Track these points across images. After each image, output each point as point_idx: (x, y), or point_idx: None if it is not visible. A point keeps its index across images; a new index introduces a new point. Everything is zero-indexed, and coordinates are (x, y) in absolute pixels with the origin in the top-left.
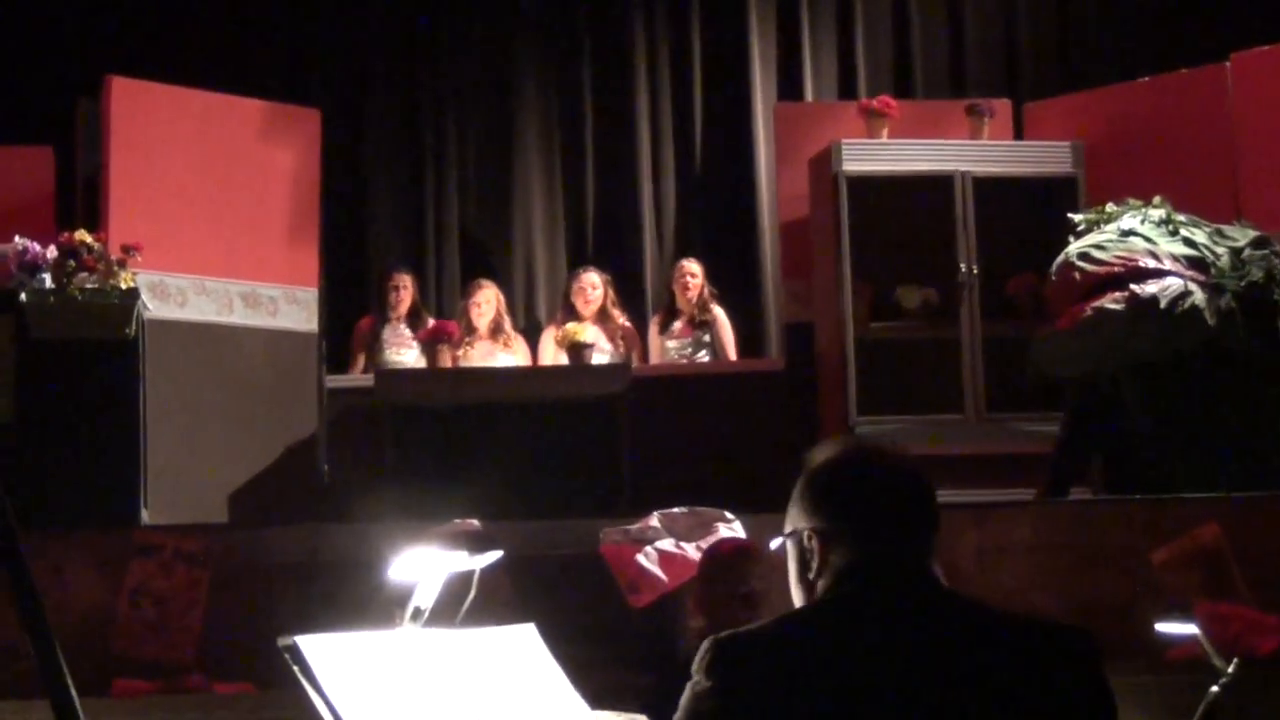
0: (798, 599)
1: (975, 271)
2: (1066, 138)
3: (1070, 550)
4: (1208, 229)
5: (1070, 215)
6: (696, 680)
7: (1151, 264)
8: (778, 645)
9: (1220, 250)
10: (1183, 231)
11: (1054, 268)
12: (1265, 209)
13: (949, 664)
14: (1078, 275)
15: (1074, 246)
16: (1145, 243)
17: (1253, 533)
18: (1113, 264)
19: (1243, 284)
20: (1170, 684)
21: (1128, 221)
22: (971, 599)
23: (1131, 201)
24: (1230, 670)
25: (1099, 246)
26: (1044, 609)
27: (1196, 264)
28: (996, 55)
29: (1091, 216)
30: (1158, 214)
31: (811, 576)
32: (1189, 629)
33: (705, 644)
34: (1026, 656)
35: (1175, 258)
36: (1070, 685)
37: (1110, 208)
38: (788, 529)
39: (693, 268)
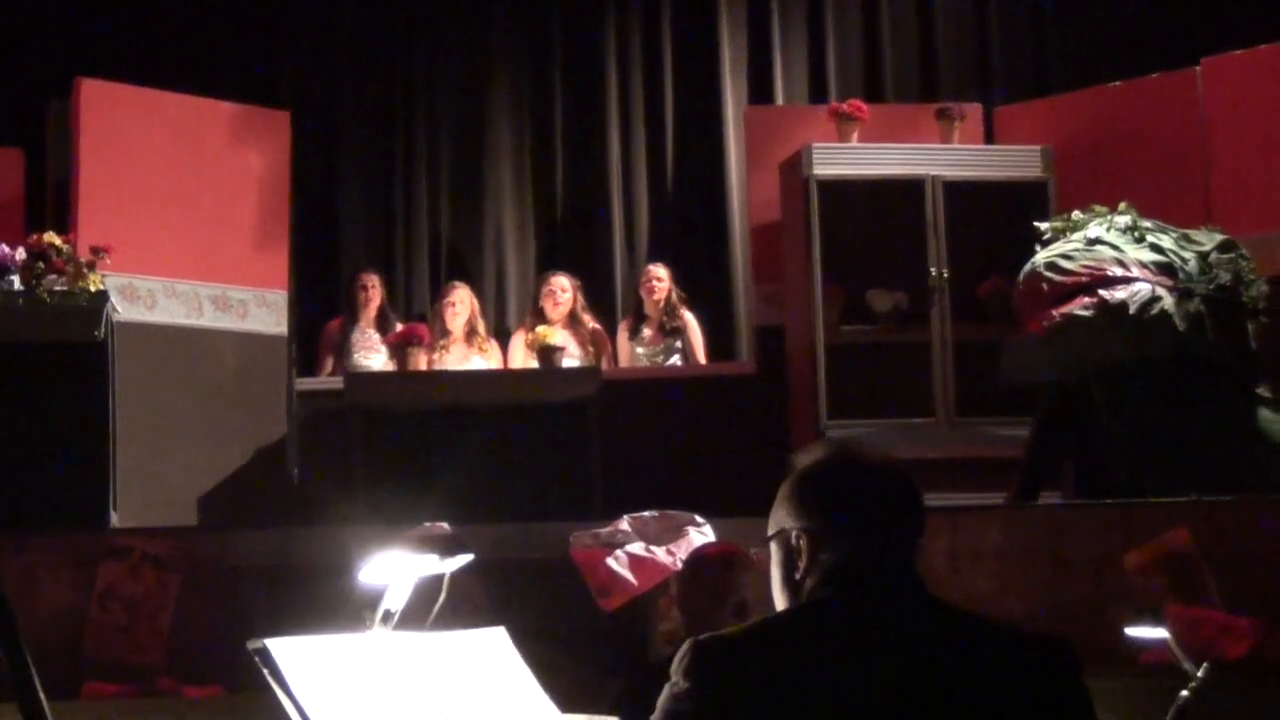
0: (781, 601)
1: (946, 275)
2: (1037, 142)
3: (1041, 554)
4: (1174, 234)
5: (1037, 224)
6: (675, 681)
7: (1119, 272)
8: (759, 649)
9: (1188, 255)
10: (1149, 238)
11: (1021, 276)
12: (1236, 213)
13: (932, 672)
14: (1045, 285)
15: (1041, 255)
16: (1112, 251)
17: (1222, 536)
18: (1080, 274)
19: (1211, 287)
20: (1140, 688)
21: (1094, 230)
22: (955, 607)
23: (1097, 209)
24: (1200, 674)
25: (1066, 256)
26: (1015, 613)
27: (1164, 269)
28: (967, 59)
29: (1058, 224)
30: (1123, 220)
31: (798, 576)
32: (1159, 633)
33: (685, 645)
34: (1009, 666)
35: (1143, 264)
36: (1052, 697)
37: (1077, 215)
38: (773, 529)
39: (659, 272)
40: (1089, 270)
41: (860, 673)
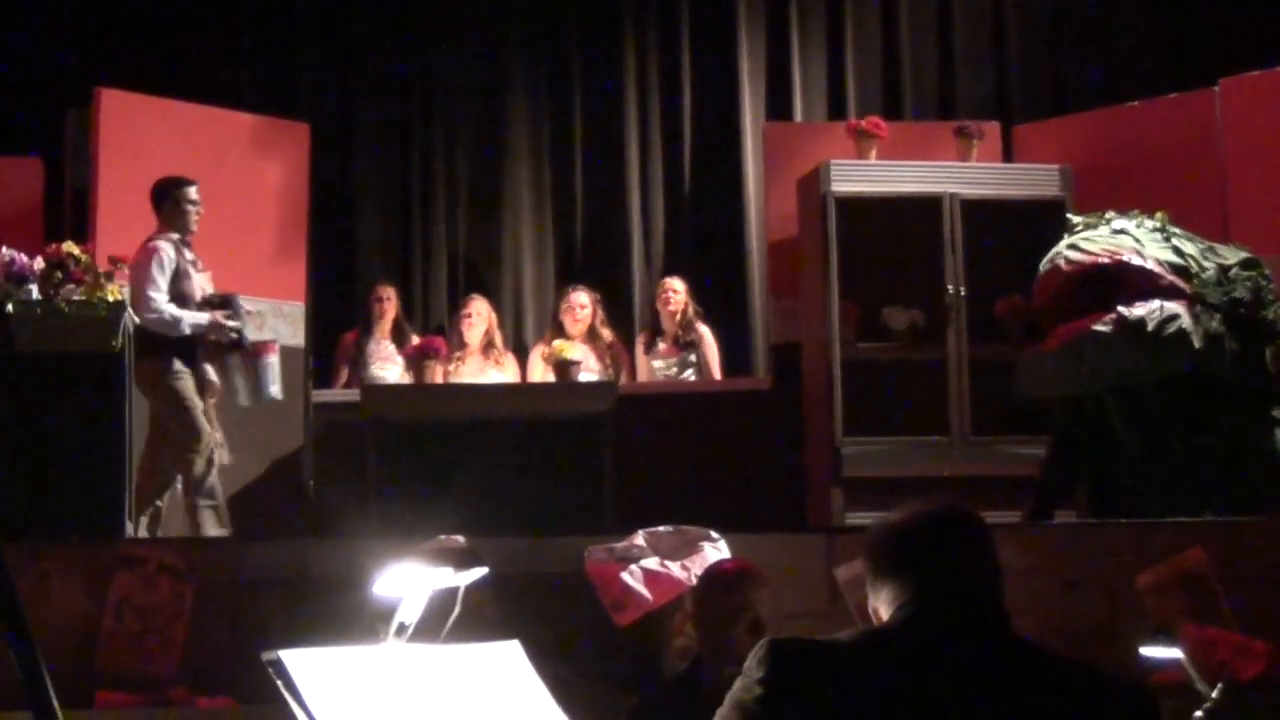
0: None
1: (962, 293)
2: (1055, 161)
3: (1054, 574)
4: (1200, 244)
5: (1069, 215)
6: (748, 674)
7: (1136, 261)
8: (835, 658)
9: (1208, 265)
10: (1174, 241)
11: (1043, 262)
12: (1254, 234)
13: (1006, 705)
14: (1064, 264)
15: (1064, 242)
16: (1134, 242)
17: (1237, 557)
18: (1099, 255)
19: (1225, 299)
20: None
21: (1120, 223)
22: (1037, 645)
23: (1132, 211)
24: (1214, 695)
25: (1087, 239)
26: (1029, 632)
27: (1180, 271)
28: (986, 77)
29: (1090, 219)
30: (1153, 222)
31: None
32: (1173, 654)
33: (762, 643)
34: (1090, 709)
35: (1160, 262)
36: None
37: (1110, 214)
38: (872, 603)
39: (675, 285)
40: (1108, 253)
41: (929, 697)
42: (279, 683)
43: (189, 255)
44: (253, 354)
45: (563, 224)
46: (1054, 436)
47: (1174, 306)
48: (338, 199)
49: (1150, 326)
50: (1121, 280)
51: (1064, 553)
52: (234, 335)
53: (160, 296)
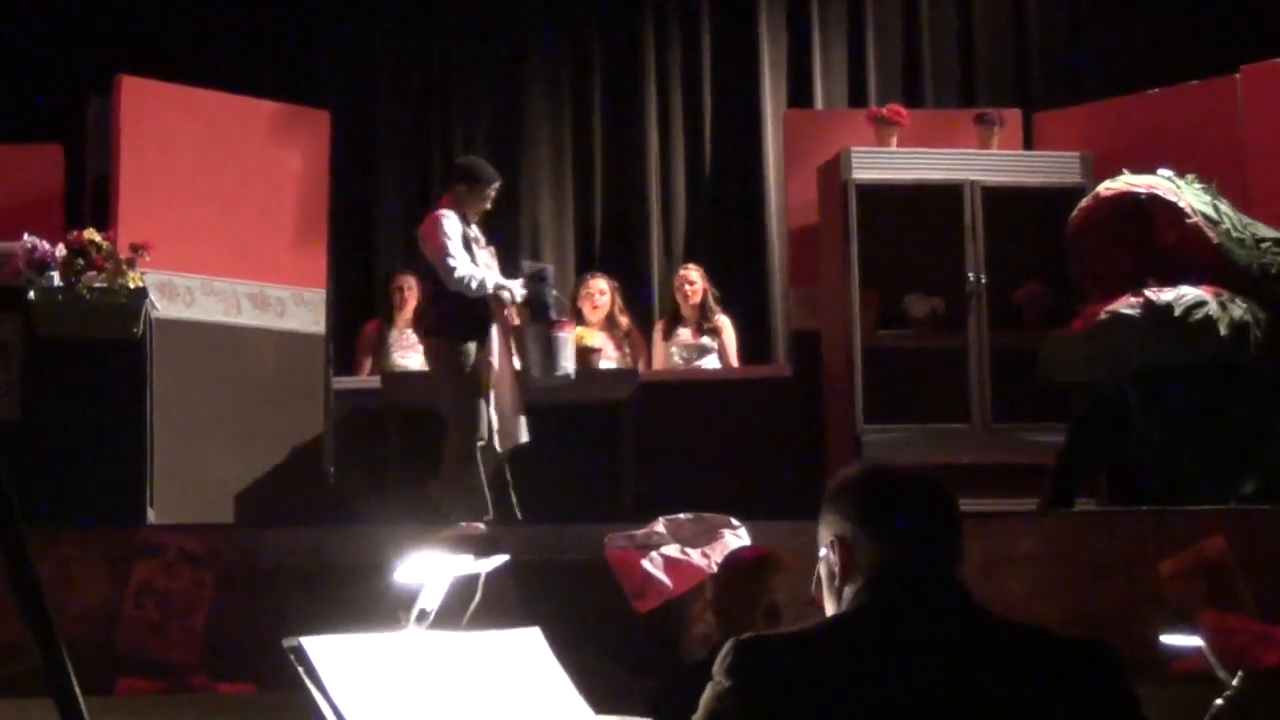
0: (827, 608)
1: (983, 281)
2: (1076, 148)
3: (1075, 561)
4: (1245, 218)
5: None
6: (717, 680)
7: (1170, 198)
8: (801, 651)
9: (1244, 231)
10: (1214, 199)
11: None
12: (1275, 221)
13: (971, 678)
14: (1103, 190)
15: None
16: (1173, 186)
17: (1258, 545)
18: (1136, 185)
19: (1253, 264)
20: (1174, 697)
21: (1167, 172)
22: (994, 614)
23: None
24: (1235, 683)
25: (1134, 175)
26: (1047, 619)
27: (1209, 221)
28: (1007, 65)
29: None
30: (1202, 184)
31: (838, 584)
32: (1194, 641)
33: (728, 645)
34: (1052, 670)
35: (1194, 209)
36: (1095, 699)
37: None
38: (821, 539)
39: (691, 275)
40: (1147, 185)
41: (898, 677)
42: (300, 669)
43: (474, 232)
44: (553, 327)
45: (582, 211)
46: (1074, 424)
47: (1201, 293)
48: (358, 187)
49: (1177, 312)
50: (1152, 213)
51: (1085, 540)
52: (542, 271)
53: (464, 263)
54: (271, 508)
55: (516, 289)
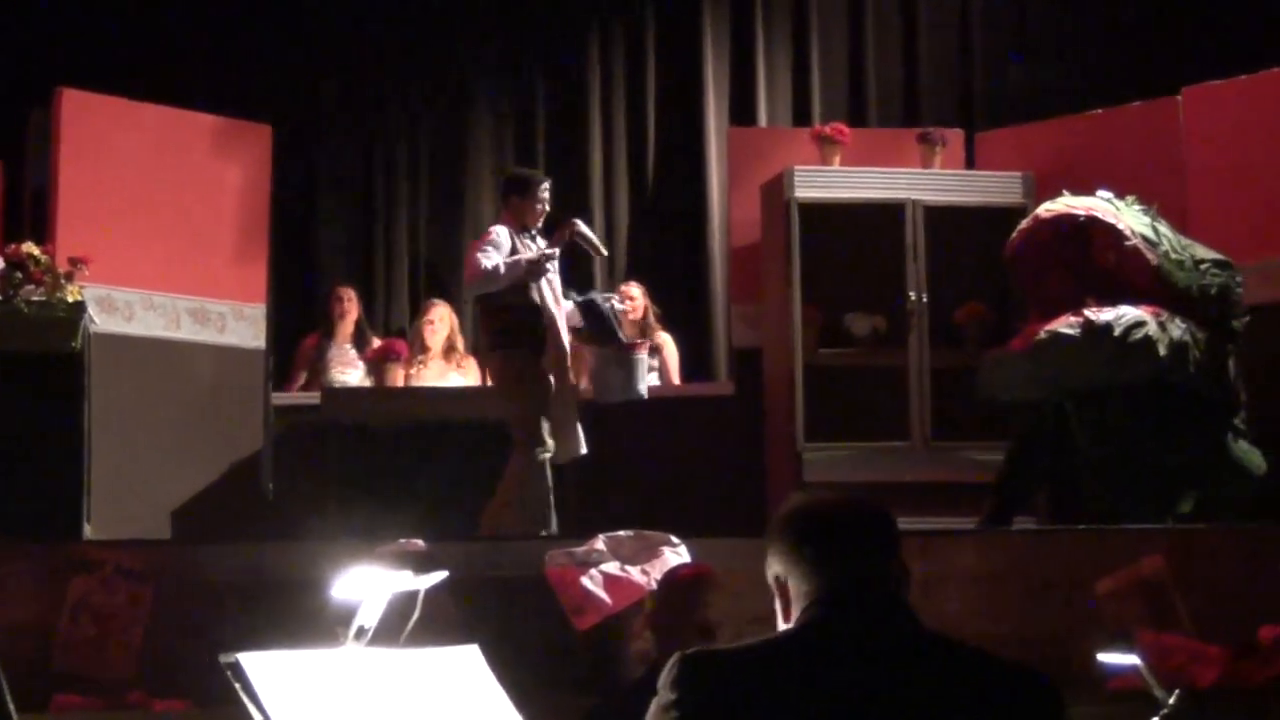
0: None
1: (924, 300)
2: (1017, 168)
3: (1014, 579)
4: (1184, 239)
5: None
6: (663, 694)
7: (1109, 220)
8: (745, 666)
9: (1183, 253)
10: (1154, 221)
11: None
12: (1215, 243)
13: (911, 697)
14: (1043, 211)
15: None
16: (1113, 207)
17: (1196, 564)
18: (1075, 206)
19: (1193, 286)
20: (1112, 715)
21: (1107, 194)
22: (939, 633)
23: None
24: (1171, 702)
25: (1074, 197)
26: (986, 637)
27: (1148, 243)
28: (949, 85)
29: (1080, 193)
30: (1141, 206)
31: (785, 619)
32: (1131, 660)
33: (673, 659)
34: (992, 696)
35: (1133, 231)
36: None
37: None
38: (768, 578)
39: (632, 290)
40: (1086, 209)
41: (841, 694)
42: (237, 686)
43: (529, 244)
44: (628, 349)
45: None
46: (1014, 442)
47: (1140, 313)
48: (299, 201)
49: (1116, 331)
50: (1092, 234)
51: (1023, 558)
52: (549, 265)
53: (485, 259)
54: (210, 523)
55: (532, 260)
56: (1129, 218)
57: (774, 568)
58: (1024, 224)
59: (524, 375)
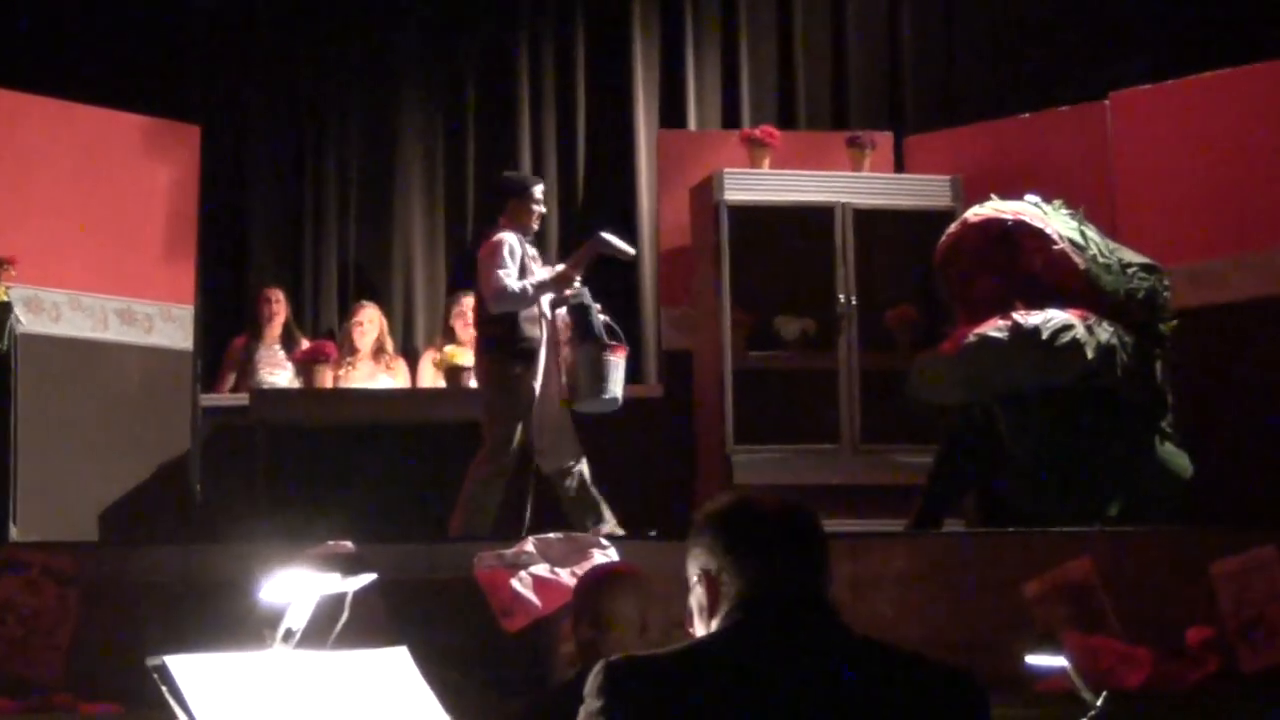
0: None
1: (853, 303)
2: (946, 172)
3: (943, 582)
4: (1111, 243)
5: (994, 195)
6: (589, 702)
7: (1038, 224)
8: (670, 672)
9: (1110, 257)
10: (1082, 226)
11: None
12: (1143, 246)
13: (837, 699)
14: (971, 216)
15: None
16: (1040, 212)
17: (1123, 567)
18: (1003, 211)
19: (1120, 291)
20: (1039, 717)
21: (1034, 198)
22: (863, 635)
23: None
24: (1099, 703)
25: (1001, 201)
26: (915, 639)
27: (1076, 247)
28: (879, 88)
29: (1008, 198)
30: (1069, 210)
31: (708, 616)
32: (1059, 662)
33: (598, 666)
34: (919, 696)
35: (1060, 235)
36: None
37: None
38: (689, 573)
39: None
40: (1014, 213)
41: (767, 699)
42: (164, 688)
43: (531, 250)
44: (605, 350)
45: (454, 229)
46: (942, 445)
47: (1068, 317)
48: (228, 202)
49: (1044, 334)
50: (1019, 240)
51: (952, 561)
52: (581, 296)
53: (509, 276)
54: (138, 525)
55: (554, 275)
56: (1056, 222)
57: (702, 562)
58: (952, 229)
59: (508, 385)
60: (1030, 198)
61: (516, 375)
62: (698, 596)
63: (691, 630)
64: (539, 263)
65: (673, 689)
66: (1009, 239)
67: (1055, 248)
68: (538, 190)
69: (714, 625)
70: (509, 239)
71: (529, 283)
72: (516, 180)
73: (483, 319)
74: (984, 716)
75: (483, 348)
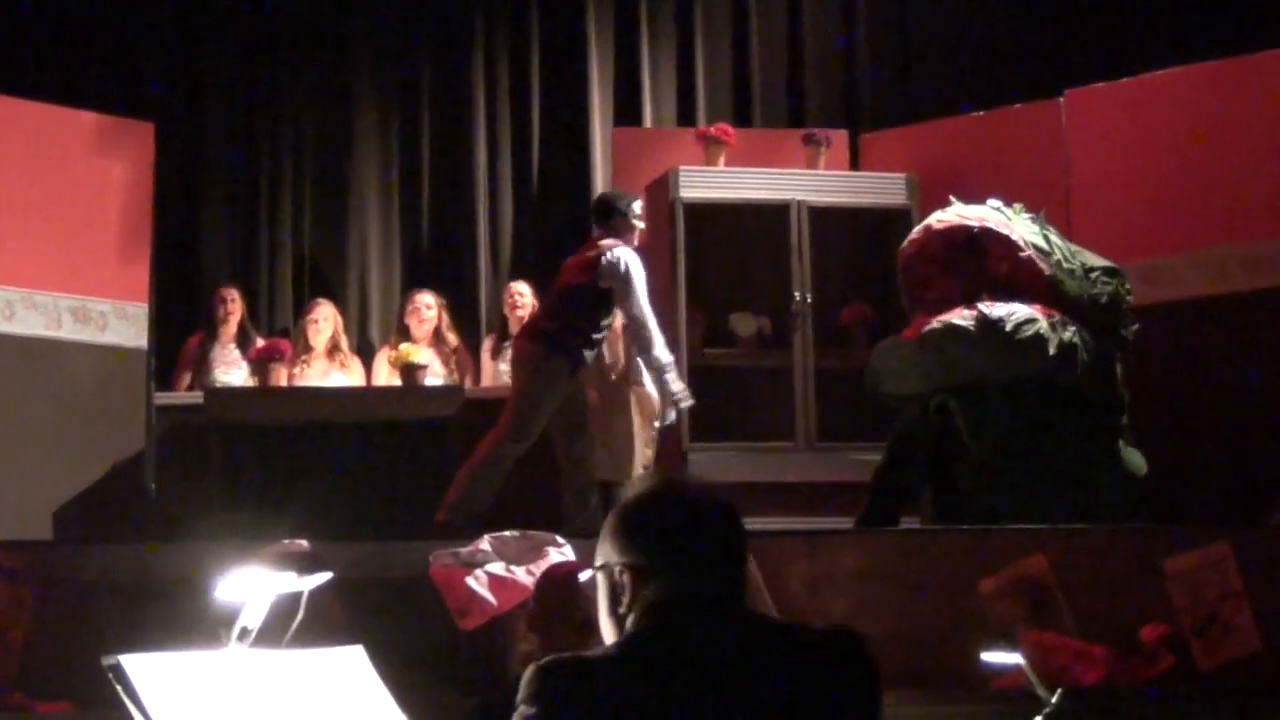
0: (607, 632)
1: (809, 300)
2: (901, 169)
3: (897, 579)
4: (1073, 246)
5: (951, 198)
6: (521, 708)
7: (1003, 231)
8: (600, 674)
9: (1073, 261)
10: (1044, 231)
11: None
12: (1097, 243)
13: (751, 693)
14: (934, 223)
15: (939, 211)
16: (1004, 217)
17: (1078, 564)
18: (968, 217)
19: (1083, 296)
20: (994, 713)
21: (996, 203)
22: (769, 619)
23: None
24: (1054, 700)
25: (964, 206)
26: (870, 636)
27: (1041, 252)
28: (834, 86)
29: (969, 202)
30: (1030, 214)
31: (622, 610)
32: (1014, 659)
33: (529, 670)
34: (809, 665)
35: (1024, 240)
36: (845, 681)
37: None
38: (598, 562)
39: (521, 289)
40: (978, 218)
41: (688, 701)
42: (119, 688)
43: None
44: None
45: (409, 227)
46: (893, 440)
47: (1033, 311)
48: (182, 200)
49: (1008, 327)
50: (985, 246)
51: (906, 558)
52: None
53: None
54: (92, 524)
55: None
56: (1020, 227)
57: (624, 555)
58: (915, 235)
59: (551, 381)
60: (992, 202)
61: (563, 375)
62: (614, 588)
63: (597, 620)
64: None
65: (604, 691)
66: (975, 245)
67: (1022, 254)
68: (638, 205)
69: (629, 623)
70: (636, 260)
71: (672, 361)
72: (619, 195)
73: (549, 313)
74: (865, 666)
75: (537, 338)
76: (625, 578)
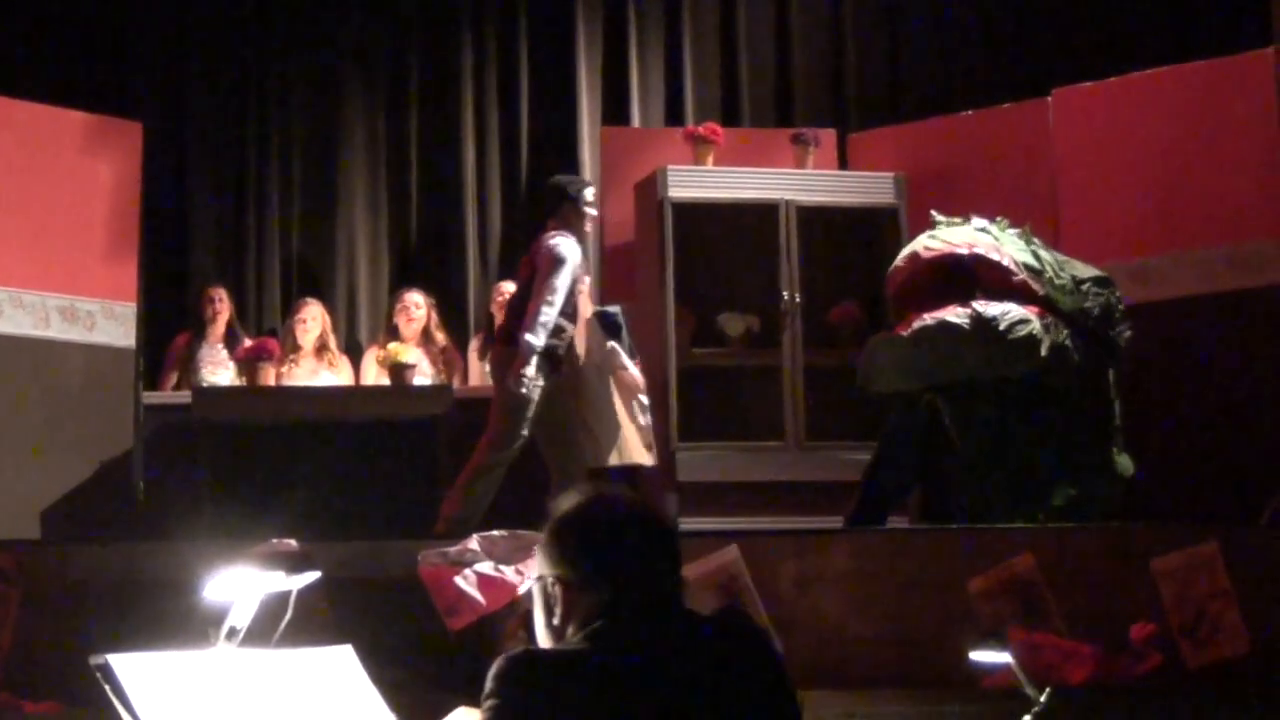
0: (544, 643)
1: (798, 300)
2: (890, 169)
3: (887, 578)
4: (1059, 257)
5: (933, 213)
6: (486, 691)
7: (993, 256)
8: (559, 669)
9: (1064, 276)
10: (1033, 248)
11: (901, 253)
12: (1084, 242)
13: (686, 691)
14: (923, 251)
15: (926, 234)
16: (993, 240)
17: (1067, 563)
18: (957, 245)
19: (1075, 309)
20: (984, 713)
21: (983, 223)
22: (701, 616)
23: (998, 218)
24: (1043, 699)
25: (949, 233)
26: (860, 635)
27: (1034, 274)
28: (823, 85)
29: (955, 220)
30: (1016, 230)
31: (557, 622)
32: (1003, 658)
33: (498, 661)
34: (720, 652)
35: (1016, 262)
36: (746, 659)
37: (974, 216)
38: (533, 574)
39: (509, 288)
40: (967, 244)
41: (635, 696)
42: (106, 688)
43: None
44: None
45: (398, 226)
46: (882, 439)
47: (1026, 312)
48: (170, 199)
49: (1002, 326)
50: (976, 272)
51: (895, 557)
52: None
53: (557, 301)
54: (80, 523)
55: (532, 372)
56: (1010, 247)
57: (548, 569)
58: (901, 263)
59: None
60: (977, 222)
61: (538, 373)
62: (548, 599)
63: (533, 629)
64: (585, 270)
65: (557, 686)
66: (966, 270)
67: (1016, 279)
68: (589, 192)
69: (567, 630)
70: (573, 243)
71: (539, 347)
72: (570, 181)
73: (511, 314)
74: (756, 634)
75: (507, 340)
76: (557, 589)
